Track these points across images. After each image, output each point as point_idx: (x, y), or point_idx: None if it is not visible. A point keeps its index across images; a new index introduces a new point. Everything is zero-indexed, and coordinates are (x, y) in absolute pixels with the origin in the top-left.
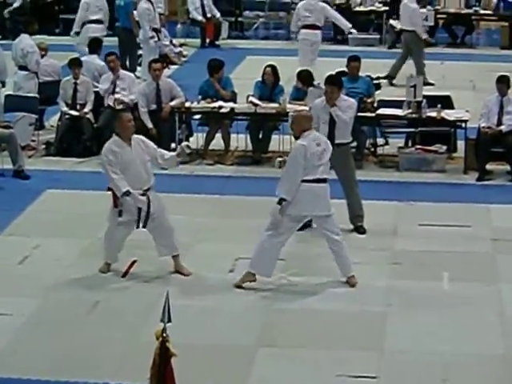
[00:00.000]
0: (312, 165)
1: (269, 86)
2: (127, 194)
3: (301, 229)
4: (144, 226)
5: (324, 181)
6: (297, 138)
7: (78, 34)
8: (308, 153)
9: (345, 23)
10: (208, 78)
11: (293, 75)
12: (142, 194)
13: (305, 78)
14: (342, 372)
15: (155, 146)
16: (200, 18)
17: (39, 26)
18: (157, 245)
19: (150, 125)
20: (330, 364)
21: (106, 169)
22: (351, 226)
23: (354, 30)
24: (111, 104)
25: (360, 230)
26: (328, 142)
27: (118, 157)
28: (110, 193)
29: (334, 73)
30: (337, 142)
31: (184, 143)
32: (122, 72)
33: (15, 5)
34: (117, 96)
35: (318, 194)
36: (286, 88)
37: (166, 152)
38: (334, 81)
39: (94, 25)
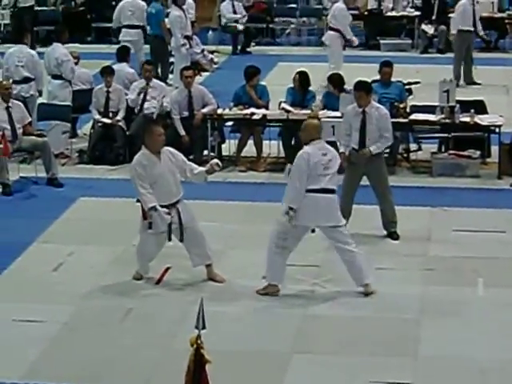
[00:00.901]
0: (316, 174)
1: (300, 92)
2: (154, 209)
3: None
4: (181, 240)
5: (330, 191)
6: (305, 144)
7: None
8: (312, 162)
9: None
10: (244, 84)
11: (324, 81)
12: (171, 206)
13: (336, 80)
14: (377, 378)
15: (185, 159)
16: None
17: (71, 35)
18: (190, 254)
19: (182, 132)
20: (365, 370)
21: (134, 182)
22: (384, 232)
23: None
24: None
25: (394, 235)
26: (336, 153)
27: (147, 170)
28: (139, 204)
29: (363, 79)
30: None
31: (214, 160)
32: (155, 81)
33: None
34: (146, 104)
35: (323, 204)
36: (317, 94)
37: (195, 166)
38: (361, 86)
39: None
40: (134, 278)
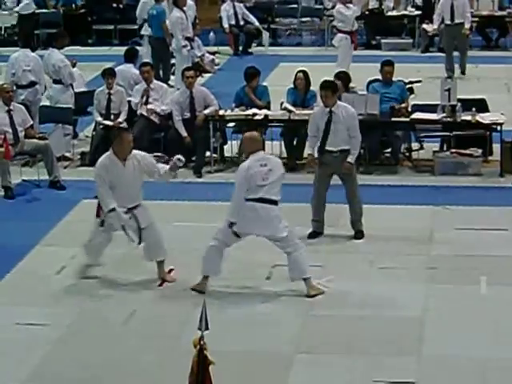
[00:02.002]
0: (255, 185)
1: (301, 92)
2: (113, 210)
3: (313, 237)
4: (139, 243)
5: (269, 201)
6: (247, 158)
7: None
8: (249, 173)
9: None
10: (244, 85)
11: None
12: (129, 211)
13: (343, 79)
14: (380, 378)
15: (154, 162)
16: (226, 25)
17: (72, 37)
18: (144, 249)
19: (184, 133)
20: (368, 370)
21: (96, 182)
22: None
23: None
24: (144, 113)
25: (358, 235)
26: (279, 162)
27: (109, 174)
28: (95, 201)
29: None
30: (339, 148)
31: (176, 156)
32: (155, 82)
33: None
34: (150, 106)
35: (261, 213)
36: (319, 94)
37: (162, 166)
38: (327, 85)
39: None
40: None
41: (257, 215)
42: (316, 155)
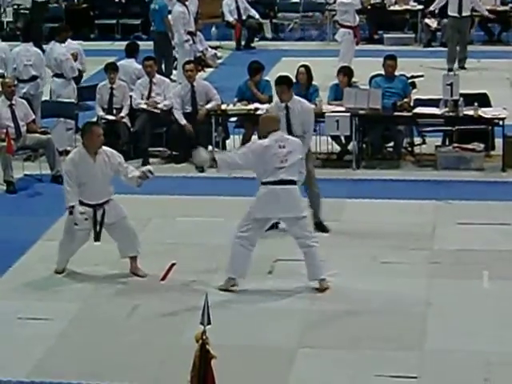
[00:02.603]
0: (273, 167)
1: (303, 87)
2: (72, 207)
3: (268, 229)
4: (97, 239)
5: (289, 182)
6: (264, 137)
7: None
8: (267, 152)
9: None
10: (247, 80)
11: (328, 75)
12: (98, 207)
13: (346, 73)
14: (382, 372)
15: (122, 161)
16: (231, 19)
17: (74, 31)
18: (118, 246)
19: (183, 121)
20: (370, 364)
21: (63, 177)
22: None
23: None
24: (144, 107)
25: (322, 227)
26: (298, 143)
27: (78, 169)
28: None
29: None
30: None
31: (147, 167)
32: (158, 77)
33: None
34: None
35: (282, 196)
36: (321, 89)
37: (130, 170)
38: (283, 80)
39: None
40: (55, 272)
41: (278, 198)
42: None
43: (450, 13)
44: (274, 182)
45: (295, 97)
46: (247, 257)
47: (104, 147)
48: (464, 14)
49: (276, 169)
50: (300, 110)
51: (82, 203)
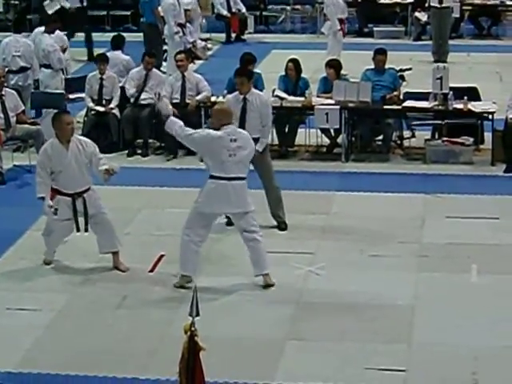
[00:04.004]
0: (221, 160)
1: (292, 80)
2: (42, 199)
3: (230, 224)
4: (86, 230)
5: (237, 178)
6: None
7: None
8: (218, 144)
9: None
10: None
11: (318, 68)
12: (77, 196)
13: (335, 66)
14: (371, 365)
15: (96, 151)
16: (225, 12)
17: (64, 23)
18: (98, 241)
19: (169, 107)
20: (359, 357)
21: (36, 168)
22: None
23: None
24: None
25: (281, 226)
26: (249, 139)
27: (52, 159)
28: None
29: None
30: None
31: (113, 165)
32: (154, 71)
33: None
34: (143, 96)
35: (230, 191)
36: (311, 82)
37: (102, 163)
38: (243, 72)
39: None
40: (43, 263)
41: (226, 193)
42: None
43: (431, 3)
44: (223, 177)
45: (254, 90)
46: (196, 253)
47: (79, 136)
48: (445, 4)
49: (224, 162)
50: (258, 103)
51: (60, 192)
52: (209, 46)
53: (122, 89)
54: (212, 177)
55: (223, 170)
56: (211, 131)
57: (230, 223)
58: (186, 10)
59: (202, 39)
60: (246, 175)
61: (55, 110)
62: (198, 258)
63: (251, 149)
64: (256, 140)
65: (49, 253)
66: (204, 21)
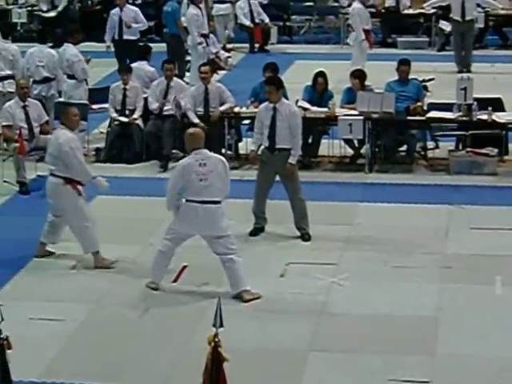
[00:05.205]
0: (194, 185)
1: (318, 92)
2: (94, 178)
3: (254, 234)
4: None
5: (209, 202)
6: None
7: None
8: (186, 170)
9: None
10: (262, 81)
11: (342, 79)
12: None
13: (359, 77)
14: (394, 377)
15: None
16: (248, 23)
17: (87, 33)
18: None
19: (195, 120)
20: (382, 369)
21: (73, 155)
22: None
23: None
24: (173, 109)
25: (305, 237)
26: (221, 162)
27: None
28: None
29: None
30: (278, 146)
31: (103, 180)
32: (176, 80)
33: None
34: (167, 107)
35: (201, 214)
36: (335, 92)
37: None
38: (272, 81)
39: None
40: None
41: (198, 216)
42: (259, 152)
43: (453, 16)
44: (194, 200)
45: (284, 100)
46: (165, 264)
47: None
48: (467, 17)
49: (198, 187)
50: (287, 113)
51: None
52: (231, 56)
53: (146, 100)
54: (186, 200)
55: (194, 193)
56: (179, 163)
57: (253, 233)
58: (209, 21)
59: (225, 49)
60: (221, 199)
61: (80, 121)
62: (165, 268)
63: (224, 172)
64: (285, 150)
65: (96, 242)
66: (227, 31)
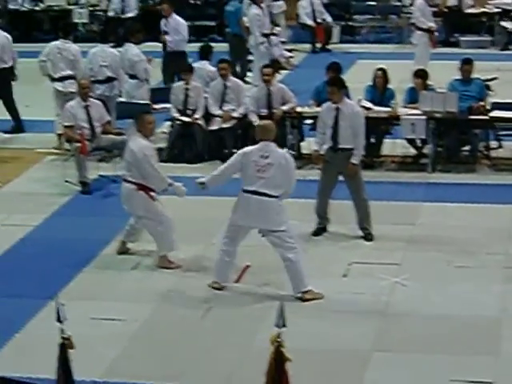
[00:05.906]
0: (250, 175)
1: (379, 90)
2: (171, 185)
3: (317, 234)
4: None
5: (264, 194)
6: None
7: None
8: (246, 158)
9: None
10: (325, 80)
11: (404, 79)
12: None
13: (422, 76)
14: (457, 377)
15: None
16: (310, 22)
17: (149, 33)
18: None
19: (257, 122)
20: (445, 369)
21: (147, 163)
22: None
23: None
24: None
25: (368, 237)
26: (285, 159)
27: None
28: (142, 192)
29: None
30: (340, 146)
31: (182, 188)
32: (232, 80)
33: (130, 14)
34: (226, 108)
35: (255, 206)
36: (397, 92)
37: None
38: (333, 81)
39: None
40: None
41: (249, 206)
42: (323, 152)
43: None
44: (248, 190)
45: (346, 99)
46: (227, 264)
47: None
48: None
49: (254, 177)
50: (350, 114)
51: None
52: (293, 56)
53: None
54: (242, 190)
55: (248, 183)
56: (238, 152)
57: (315, 233)
58: (272, 21)
59: (287, 49)
60: (278, 194)
61: None
62: (229, 268)
63: (287, 169)
64: (347, 150)
65: (172, 241)
66: (290, 30)
